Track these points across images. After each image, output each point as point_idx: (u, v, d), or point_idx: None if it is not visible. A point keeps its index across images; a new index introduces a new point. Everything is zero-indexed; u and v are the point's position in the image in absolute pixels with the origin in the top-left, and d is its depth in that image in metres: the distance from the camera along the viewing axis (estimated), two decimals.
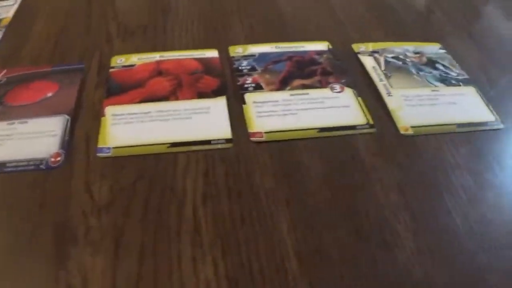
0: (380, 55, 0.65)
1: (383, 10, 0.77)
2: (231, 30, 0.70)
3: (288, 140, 0.53)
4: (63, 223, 0.44)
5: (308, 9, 0.76)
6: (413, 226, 0.46)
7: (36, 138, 0.52)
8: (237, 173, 0.50)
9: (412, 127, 0.55)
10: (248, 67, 0.62)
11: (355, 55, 0.66)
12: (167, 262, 0.42)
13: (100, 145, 0.51)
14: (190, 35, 0.68)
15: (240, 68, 0.62)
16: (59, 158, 0.50)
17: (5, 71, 0.60)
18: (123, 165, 0.50)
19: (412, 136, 0.55)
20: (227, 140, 0.52)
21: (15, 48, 0.65)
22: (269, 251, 0.43)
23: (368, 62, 0.64)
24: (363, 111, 0.57)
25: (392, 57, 0.65)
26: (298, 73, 0.61)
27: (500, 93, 0.62)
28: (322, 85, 0.60)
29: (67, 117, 0.54)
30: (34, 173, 0.49)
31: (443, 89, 0.61)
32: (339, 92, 0.59)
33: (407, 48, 0.67)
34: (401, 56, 0.65)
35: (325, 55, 0.65)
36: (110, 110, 0.55)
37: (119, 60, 0.62)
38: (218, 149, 0.52)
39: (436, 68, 0.64)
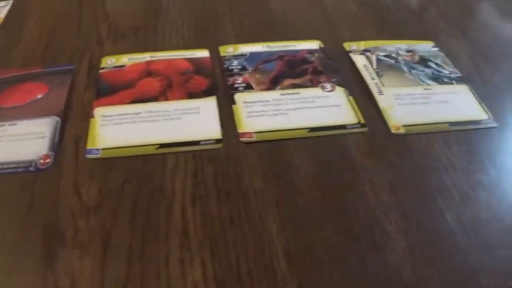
0: (372, 53, 0.65)
1: (376, 8, 0.77)
2: (222, 30, 0.69)
3: (278, 140, 0.53)
4: (51, 225, 0.44)
5: (300, 8, 0.76)
6: (404, 226, 0.46)
7: (26, 140, 0.52)
8: (226, 174, 0.49)
9: (404, 126, 0.55)
10: (239, 67, 0.61)
11: (346, 54, 0.65)
12: (155, 264, 0.42)
13: (89, 147, 0.51)
14: (181, 35, 0.68)
15: (230, 68, 0.61)
16: (48, 160, 0.50)
17: None
18: (111, 167, 0.50)
19: (403, 135, 0.54)
20: (217, 141, 0.52)
21: (6, 49, 0.64)
22: (258, 252, 0.43)
23: (360, 60, 0.63)
24: (354, 110, 0.56)
25: (384, 56, 0.64)
26: (289, 73, 0.61)
27: (493, 91, 0.62)
28: (313, 84, 0.59)
29: (56, 118, 0.54)
30: (23, 175, 0.48)
31: (436, 88, 0.60)
32: (330, 91, 0.59)
33: (399, 46, 0.67)
34: (393, 55, 0.65)
35: (316, 54, 0.64)
36: (100, 111, 0.55)
37: (109, 61, 0.62)
38: (208, 149, 0.51)
39: (428, 67, 0.63)
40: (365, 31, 0.71)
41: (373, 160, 0.51)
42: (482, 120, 0.57)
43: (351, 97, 0.58)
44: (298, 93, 0.58)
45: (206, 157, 0.51)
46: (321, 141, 0.53)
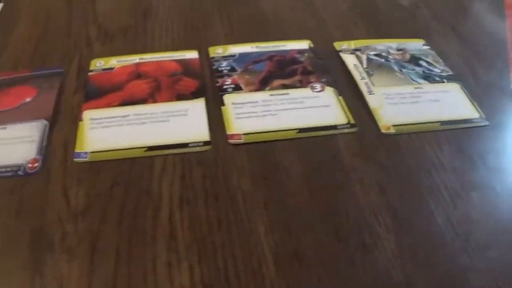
0: (362, 53, 0.64)
1: (367, 7, 0.76)
2: (212, 31, 0.69)
3: (267, 141, 0.53)
4: (39, 230, 0.44)
5: (290, 7, 0.75)
6: (394, 227, 0.45)
7: (14, 144, 0.51)
8: (215, 176, 0.49)
9: (394, 125, 0.55)
10: (228, 68, 0.61)
11: (337, 53, 0.65)
12: (142, 268, 0.41)
13: (77, 150, 0.51)
14: (170, 36, 0.67)
15: (219, 69, 0.61)
16: (36, 164, 0.49)
17: None
18: (99, 170, 0.49)
19: (394, 135, 0.54)
20: (205, 143, 0.52)
21: None
22: (246, 255, 0.42)
23: (350, 60, 0.63)
24: (344, 110, 0.56)
25: (375, 55, 0.64)
26: (279, 73, 0.61)
27: (485, 90, 0.61)
28: (302, 84, 0.59)
29: (45, 122, 0.54)
30: (12, 179, 0.48)
31: (426, 86, 0.60)
32: (319, 91, 0.58)
33: (390, 45, 0.66)
34: (383, 54, 0.64)
35: (306, 54, 0.64)
36: (88, 115, 0.54)
37: (98, 63, 0.61)
38: (196, 152, 0.51)
39: (419, 65, 0.63)
40: (355, 30, 0.70)
41: (363, 161, 0.51)
42: (473, 119, 0.57)
43: (341, 97, 0.58)
44: (288, 94, 0.57)
45: (194, 159, 0.50)
46: (310, 141, 0.53)
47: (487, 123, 0.56)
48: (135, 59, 0.62)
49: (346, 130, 0.54)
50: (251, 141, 0.52)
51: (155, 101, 0.56)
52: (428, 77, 0.61)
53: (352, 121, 0.55)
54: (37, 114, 0.54)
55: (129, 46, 0.65)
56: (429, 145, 0.53)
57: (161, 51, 0.64)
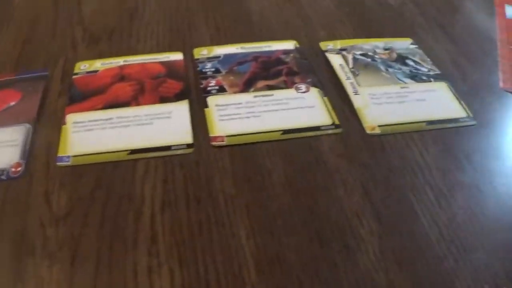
0: (348, 52, 0.64)
1: (354, 6, 0.76)
2: (197, 32, 0.68)
3: (251, 143, 0.52)
4: (21, 234, 0.43)
5: (277, 7, 0.75)
6: (377, 229, 0.45)
7: None
8: (197, 179, 0.48)
9: (379, 126, 0.54)
10: (212, 69, 0.60)
11: (323, 53, 0.64)
12: (122, 272, 0.41)
13: (60, 154, 0.50)
14: (155, 37, 0.67)
15: (204, 70, 0.60)
16: (19, 168, 0.49)
17: None
18: (82, 174, 0.49)
19: (378, 135, 0.54)
20: (188, 145, 0.51)
21: None
22: (227, 259, 0.42)
23: (335, 60, 0.62)
24: (329, 111, 0.55)
25: (361, 54, 0.64)
26: (263, 74, 0.60)
27: (473, 89, 0.61)
28: (287, 85, 0.58)
29: (28, 126, 0.53)
30: None
31: (413, 86, 0.59)
32: (304, 92, 0.58)
33: (376, 44, 0.66)
34: (370, 53, 0.64)
35: (291, 55, 0.63)
36: (72, 118, 0.54)
37: (82, 66, 0.61)
38: (179, 154, 0.51)
39: (406, 64, 0.63)
40: (342, 29, 0.70)
41: (347, 162, 0.51)
42: (460, 118, 0.56)
43: (326, 98, 0.57)
44: (272, 95, 0.57)
45: (177, 162, 0.50)
46: (294, 143, 0.53)
47: (474, 122, 0.56)
48: (119, 61, 0.62)
49: (330, 131, 0.53)
50: (234, 143, 0.52)
51: (138, 104, 0.56)
52: (415, 77, 0.61)
53: (337, 122, 0.54)
54: (21, 118, 0.54)
55: (114, 48, 0.65)
56: (415, 145, 0.53)
57: (146, 53, 0.64)
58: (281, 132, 0.53)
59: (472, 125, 0.56)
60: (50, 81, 0.59)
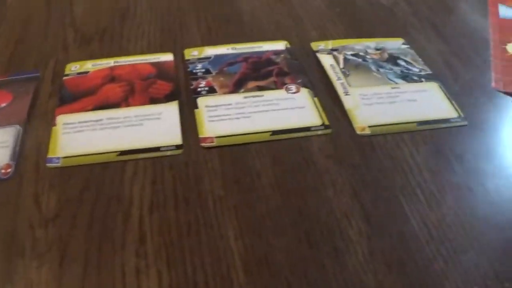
0: (339, 52, 0.64)
1: (346, 5, 0.76)
2: (188, 33, 0.68)
3: (240, 144, 0.52)
4: (10, 236, 0.43)
5: (268, 8, 0.75)
6: (366, 231, 0.45)
7: None
8: (186, 180, 0.48)
9: (370, 126, 0.54)
10: (203, 70, 0.60)
11: (314, 54, 0.64)
12: (111, 273, 0.41)
13: (50, 155, 0.50)
14: (146, 39, 0.67)
15: (194, 71, 0.60)
16: (9, 170, 0.49)
17: None
18: (71, 175, 0.49)
19: (369, 136, 0.53)
20: (177, 147, 0.51)
21: None
22: (215, 261, 0.42)
23: (326, 60, 0.62)
24: (319, 111, 0.55)
25: (352, 55, 0.63)
26: (254, 75, 0.60)
27: (465, 89, 0.61)
28: (277, 86, 0.58)
29: (19, 127, 0.53)
30: None
31: (404, 86, 0.59)
32: (294, 93, 0.58)
33: (368, 44, 0.65)
34: (361, 53, 0.64)
35: (282, 55, 0.63)
36: (62, 119, 0.54)
37: (73, 67, 0.61)
38: (168, 155, 0.51)
39: (397, 65, 0.62)
40: (334, 29, 0.70)
41: (337, 163, 0.51)
42: (451, 119, 0.56)
43: (316, 98, 0.57)
44: (262, 96, 0.57)
45: (166, 163, 0.50)
46: (284, 144, 0.53)
47: (465, 122, 0.56)
48: (110, 62, 0.62)
49: (320, 132, 0.53)
50: (223, 144, 0.52)
51: (128, 105, 0.56)
52: (406, 77, 0.61)
53: (327, 123, 0.54)
54: (11, 120, 0.54)
55: (105, 49, 0.65)
56: (405, 146, 0.53)
57: (137, 53, 0.64)
58: (270, 133, 0.53)
59: (464, 125, 0.56)
60: (41, 82, 0.59)
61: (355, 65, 0.62)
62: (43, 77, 0.60)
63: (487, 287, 0.41)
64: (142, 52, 0.64)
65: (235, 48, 0.64)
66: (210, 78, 0.59)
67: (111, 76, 0.60)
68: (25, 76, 0.60)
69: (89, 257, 0.42)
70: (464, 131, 0.55)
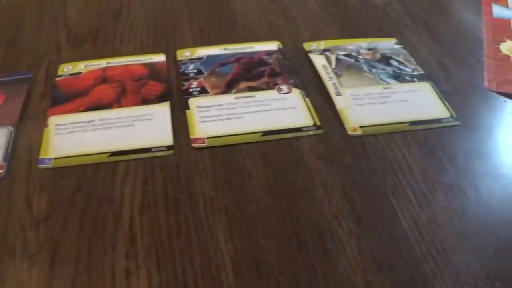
0: (332, 53, 0.64)
1: (339, 6, 0.76)
2: (181, 33, 0.68)
3: (231, 145, 0.52)
4: (2, 237, 0.43)
5: (261, 8, 0.74)
6: (356, 231, 0.45)
7: None
8: (177, 181, 0.48)
9: (361, 127, 0.54)
10: (195, 71, 0.60)
11: (306, 54, 0.64)
12: (101, 274, 0.41)
13: (41, 156, 0.50)
14: (139, 39, 0.67)
15: (186, 72, 0.60)
16: (1, 171, 0.49)
17: None
18: (62, 176, 0.49)
19: (360, 136, 0.53)
20: (168, 147, 0.51)
21: None
22: (205, 262, 0.42)
23: (318, 61, 0.62)
24: (310, 112, 0.55)
25: (344, 55, 0.63)
26: (246, 75, 0.60)
27: (458, 89, 0.60)
28: (269, 86, 0.58)
29: (11, 128, 0.53)
30: None
31: (396, 86, 0.59)
32: (286, 93, 0.58)
33: (360, 44, 0.65)
34: (353, 54, 0.64)
35: (274, 56, 0.63)
36: (54, 120, 0.54)
37: (66, 68, 0.61)
38: (159, 156, 0.51)
39: (390, 65, 0.62)
40: (327, 30, 0.70)
41: (328, 163, 0.51)
42: (443, 119, 0.56)
43: (308, 99, 0.57)
44: (253, 96, 0.57)
45: (157, 164, 0.50)
46: (275, 144, 0.53)
47: (457, 122, 0.56)
48: (102, 63, 0.62)
49: (311, 132, 0.53)
50: (214, 145, 0.52)
51: (120, 106, 0.56)
52: (398, 77, 0.61)
53: (318, 123, 0.54)
54: (3, 121, 0.54)
55: (98, 50, 0.65)
56: (397, 146, 0.53)
57: (130, 54, 0.64)
58: (261, 133, 0.53)
59: (456, 125, 0.55)
60: (34, 83, 0.60)
61: (347, 66, 0.62)
62: (35, 78, 0.60)
63: (478, 287, 0.41)
64: (134, 53, 0.64)
65: (227, 49, 0.64)
66: (202, 79, 0.59)
67: (104, 77, 0.60)
68: (17, 77, 0.60)
69: (80, 258, 0.42)
70: (456, 131, 0.55)
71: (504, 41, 0.69)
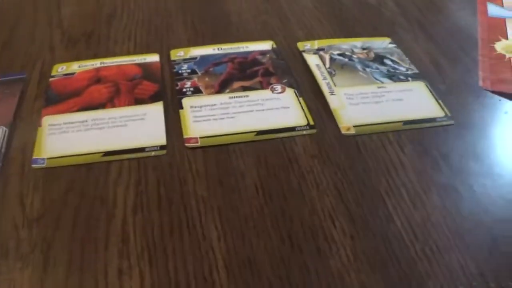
0: (326, 52, 0.64)
1: (333, 5, 0.76)
2: (175, 33, 0.68)
3: (224, 145, 0.52)
4: None
5: (255, 8, 0.74)
6: (349, 231, 0.44)
7: None
8: (170, 181, 0.48)
9: (355, 126, 0.54)
10: (188, 71, 0.60)
11: (300, 53, 0.64)
12: (93, 274, 0.41)
13: (35, 156, 0.50)
14: (133, 39, 0.67)
15: (180, 72, 0.60)
16: None
17: None
18: (56, 176, 0.49)
19: (354, 136, 0.53)
20: (161, 147, 0.51)
21: None
22: (197, 262, 0.42)
23: (312, 60, 0.62)
24: (304, 111, 0.55)
25: (338, 54, 0.63)
26: (240, 75, 0.60)
27: (452, 88, 0.60)
28: (263, 86, 0.58)
29: (5, 129, 0.53)
30: None
31: (390, 86, 0.59)
32: (280, 93, 0.57)
33: (354, 44, 0.65)
34: (347, 53, 0.64)
35: (268, 55, 0.63)
36: (48, 120, 0.54)
37: (60, 69, 0.61)
38: (152, 156, 0.51)
39: (384, 64, 0.62)
40: (321, 29, 0.70)
41: (321, 163, 0.50)
42: (437, 118, 0.56)
43: (301, 98, 0.57)
44: (247, 96, 0.57)
45: (150, 164, 0.50)
46: (268, 144, 0.52)
47: (452, 122, 0.56)
48: (96, 63, 0.62)
49: (305, 132, 0.53)
50: (207, 144, 0.52)
51: (113, 106, 0.56)
52: (393, 76, 0.61)
53: (312, 123, 0.54)
54: None
55: (92, 50, 0.65)
56: (391, 145, 0.53)
57: (124, 54, 0.64)
58: (254, 133, 0.53)
59: (450, 124, 0.55)
60: (28, 84, 0.59)
61: (341, 65, 0.62)
62: (29, 78, 0.60)
63: (472, 287, 0.41)
64: (128, 53, 0.64)
65: (221, 49, 0.64)
66: (195, 79, 0.59)
67: (97, 77, 0.60)
68: (11, 77, 0.60)
69: (73, 258, 0.42)
70: (450, 130, 0.55)
71: (499, 40, 0.69)
